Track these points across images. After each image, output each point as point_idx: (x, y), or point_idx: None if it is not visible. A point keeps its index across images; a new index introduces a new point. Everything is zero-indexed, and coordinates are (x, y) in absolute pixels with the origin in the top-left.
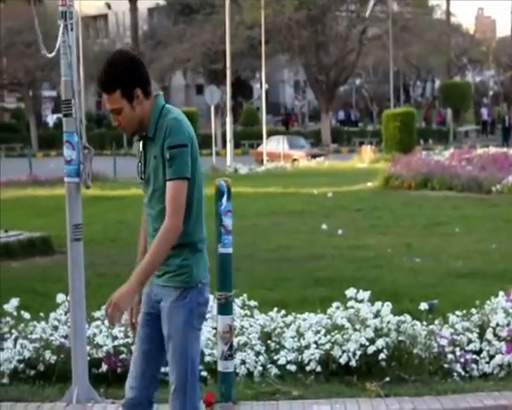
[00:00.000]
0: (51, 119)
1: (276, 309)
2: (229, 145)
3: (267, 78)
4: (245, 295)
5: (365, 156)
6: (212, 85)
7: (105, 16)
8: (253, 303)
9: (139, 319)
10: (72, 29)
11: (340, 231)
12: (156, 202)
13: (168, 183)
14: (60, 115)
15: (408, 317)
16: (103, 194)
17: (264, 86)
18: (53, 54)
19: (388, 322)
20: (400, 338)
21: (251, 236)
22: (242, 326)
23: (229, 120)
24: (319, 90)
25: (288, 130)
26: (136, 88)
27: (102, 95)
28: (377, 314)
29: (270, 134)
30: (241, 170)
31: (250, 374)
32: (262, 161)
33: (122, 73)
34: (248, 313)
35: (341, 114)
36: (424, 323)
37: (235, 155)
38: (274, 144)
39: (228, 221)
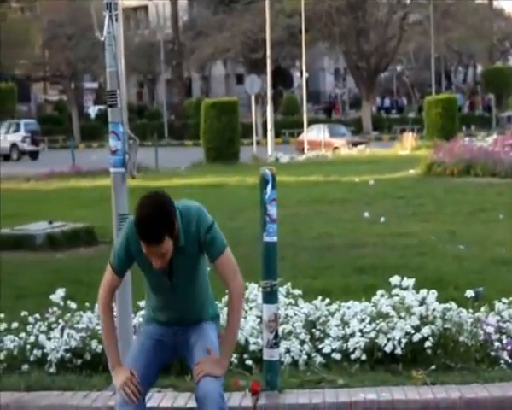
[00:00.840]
0: (93, 110)
1: (320, 298)
2: (269, 134)
3: (307, 66)
4: (289, 283)
5: (407, 143)
6: (253, 74)
7: (145, 7)
8: (297, 292)
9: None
10: (116, 20)
11: (382, 219)
12: (192, 291)
13: (220, 256)
14: (101, 107)
15: (454, 304)
16: (145, 184)
17: (305, 75)
18: (104, 36)
19: (434, 310)
20: (446, 326)
21: (292, 224)
22: (287, 315)
23: (269, 109)
24: (360, 77)
25: (330, 118)
26: (176, 223)
27: (144, 245)
28: (422, 302)
29: (310, 123)
30: (282, 159)
31: (295, 363)
32: (303, 149)
33: (171, 217)
34: (293, 301)
35: (387, 102)
36: (470, 310)
37: (276, 144)
38: (315, 133)
39: (273, 210)
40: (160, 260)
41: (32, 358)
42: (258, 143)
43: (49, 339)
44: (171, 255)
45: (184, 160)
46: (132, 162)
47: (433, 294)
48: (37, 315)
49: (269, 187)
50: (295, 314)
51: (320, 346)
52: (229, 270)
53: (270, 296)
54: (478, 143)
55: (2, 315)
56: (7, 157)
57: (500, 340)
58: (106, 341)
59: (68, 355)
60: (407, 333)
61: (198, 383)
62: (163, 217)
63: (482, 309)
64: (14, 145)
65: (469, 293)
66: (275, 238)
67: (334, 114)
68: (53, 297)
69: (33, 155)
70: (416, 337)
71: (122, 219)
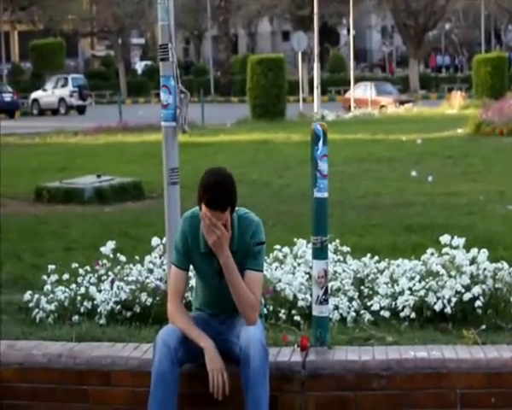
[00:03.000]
0: (139, 66)
1: (368, 255)
2: (316, 92)
3: (354, 23)
4: (337, 240)
5: (455, 102)
6: (299, 31)
7: None
8: (345, 249)
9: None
10: None
11: (430, 178)
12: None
13: (253, 272)
14: (148, 62)
15: (505, 264)
16: (192, 140)
17: (352, 32)
18: None
19: (485, 269)
20: (497, 286)
21: (340, 182)
22: (335, 271)
23: (316, 66)
24: (407, 35)
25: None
26: (235, 204)
27: (209, 211)
28: (473, 261)
29: (357, 80)
30: (328, 117)
31: (343, 320)
32: (349, 107)
33: (234, 191)
34: (341, 258)
35: (447, 60)
36: None
37: (322, 101)
38: (361, 91)
39: (324, 166)
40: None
41: (82, 309)
42: (304, 100)
43: (100, 291)
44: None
45: (230, 116)
46: (183, 117)
47: (484, 253)
48: (88, 267)
49: (320, 143)
50: (344, 271)
51: (369, 303)
52: (254, 287)
53: (320, 252)
54: None
55: (54, 267)
56: (55, 112)
57: None
58: (186, 331)
59: (118, 307)
60: (457, 292)
61: (240, 336)
62: (229, 186)
63: None
64: (61, 100)
65: None
66: (326, 194)
67: (390, 72)
68: (103, 250)
69: (81, 110)
70: (467, 297)
71: (173, 173)
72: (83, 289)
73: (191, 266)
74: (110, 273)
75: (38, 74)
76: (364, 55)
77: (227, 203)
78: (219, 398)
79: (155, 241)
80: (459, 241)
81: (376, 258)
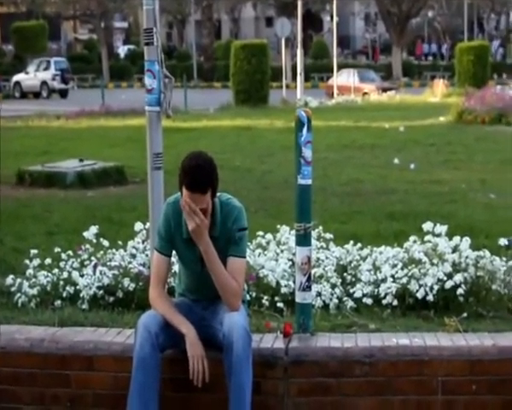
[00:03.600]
0: (122, 50)
1: (351, 242)
2: (299, 78)
3: (337, 10)
4: (320, 227)
5: (437, 90)
6: (283, 17)
7: None
8: (328, 236)
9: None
10: None
11: (412, 166)
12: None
13: (236, 258)
14: (130, 46)
15: (487, 252)
16: (175, 125)
17: (335, 19)
18: None
19: (467, 257)
20: (479, 274)
21: (322, 169)
22: (318, 258)
23: (299, 52)
24: (391, 22)
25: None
26: (217, 187)
27: (189, 194)
28: (455, 249)
29: (340, 67)
30: (312, 103)
31: (326, 306)
32: (332, 94)
33: (215, 173)
34: (324, 245)
35: (434, 47)
36: (503, 259)
37: (305, 88)
38: (344, 78)
39: (308, 152)
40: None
41: (64, 294)
42: (287, 86)
43: (82, 276)
44: None
45: (213, 102)
46: (168, 101)
47: (467, 241)
48: (70, 252)
49: (304, 129)
50: (327, 258)
51: (351, 290)
52: (236, 273)
53: (303, 239)
54: (510, 92)
55: (36, 251)
56: (37, 95)
57: None
58: (167, 317)
59: (101, 292)
60: (439, 280)
61: (223, 322)
62: (210, 169)
63: None
64: (44, 83)
65: (502, 241)
66: (309, 181)
67: (374, 58)
68: (86, 234)
69: (63, 94)
70: (449, 284)
71: (157, 158)
72: (65, 274)
73: (174, 252)
74: (93, 258)
75: (20, 57)
76: (348, 42)
77: (207, 186)
78: (199, 385)
79: (138, 226)
80: (441, 228)
81: (359, 245)
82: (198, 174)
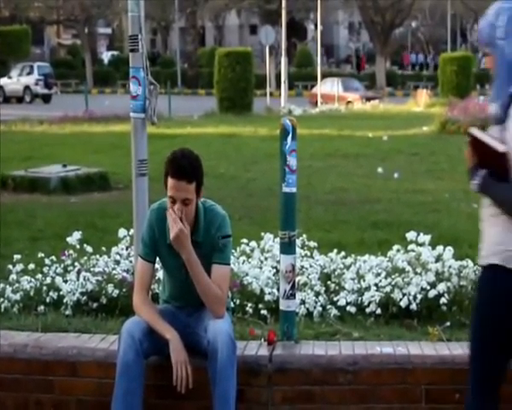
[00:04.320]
0: (106, 55)
1: (335, 251)
2: (283, 86)
3: (321, 19)
4: (304, 235)
5: (421, 100)
6: (267, 25)
7: None
8: (312, 244)
9: None
10: None
11: (396, 175)
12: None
13: (220, 266)
14: (114, 52)
15: (470, 262)
16: (159, 132)
17: (319, 28)
18: None
19: (450, 266)
20: (462, 283)
21: (306, 178)
22: (302, 266)
23: (283, 60)
24: (374, 32)
25: (359, 72)
26: (202, 187)
27: (174, 182)
28: (438, 258)
29: (324, 76)
30: (295, 111)
31: (309, 314)
32: (316, 102)
33: (200, 168)
34: (308, 253)
35: (420, 57)
36: None
37: (289, 96)
38: (328, 86)
39: (292, 161)
40: (181, 212)
41: (48, 299)
42: (271, 94)
43: (66, 282)
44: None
45: (197, 109)
46: (153, 108)
47: (450, 251)
48: (54, 257)
49: (289, 138)
50: (311, 266)
51: (335, 298)
52: (220, 281)
53: (288, 247)
54: None
55: (19, 256)
56: (20, 99)
57: None
58: (151, 323)
59: (84, 298)
60: (422, 289)
61: (208, 329)
62: (195, 161)
63: None
64: (27, 88)
65: None
66: (294, 189)
67: (362, 68)
68: (69, 240)
69: (46, 99)
70: (432, 294)
71: (142, 164)
72: (49, 280)
73: (158, 259)
74: (76, 264)
75: (3, 61)
76: (332, 51)
77: (192, 174)
78: (183, 391)
79: (122, 232)
80: (425, 238)
81: (343, 253)
82: (183, 162)
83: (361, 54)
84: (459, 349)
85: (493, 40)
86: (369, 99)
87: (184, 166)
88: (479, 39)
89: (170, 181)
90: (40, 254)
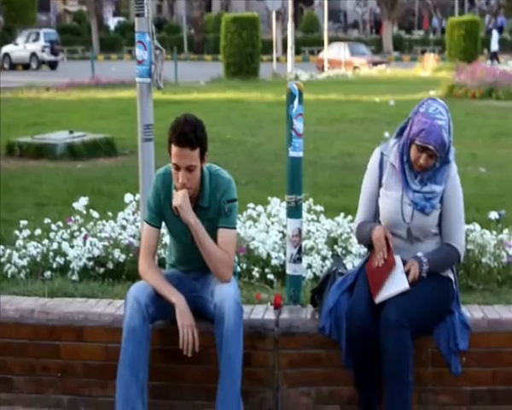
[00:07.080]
0: (112, 22)
1: (342, 215)
2: (289, 51)
3: None
4: (311, 199)
5: (428, 65)
6: None
7: None
8: (319, 208)
9: None
10: None
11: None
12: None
13: (227, 229)
14: (120, 19)
15: (477, 226)
16: (165, 98)
17: None
18: None
19: None
20: (469, 247)
21: (313, 142)
22: (309, 230)
23: (290, 25)
24: None
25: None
26: (207, 152)
27: (177, 150)
28: None
29: (331, 41)
30: (302, 76)
31: (316, 279)
32: (323, 67)
33: (204, 134)
34: (315, 217)
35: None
36: (493, 232)
37: (296, 61)
38: (335, 51)
39: (299, 125)
40: (185, 179)
41: (54, 265)
42: (277, 60)
43: (72, 247)
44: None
45: (204, 74)
46: (158, 73)
47: None
48: (60, 223)
49: (295, 102)
50: (317, 230)
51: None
52: (227, 245)
53: (294, 211)
54: (500, 67)
55: (26, 222)
56: (26, 66)
57: None
58: (157, 288)
59: (91, 264)
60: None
61: (214, 293)
62: (199, 127)
63: (505, 232)
64: (33, 54)
65: (493, 215)
66: (300, 153)
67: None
68: (76, 205)
69: (52, 65)
70: None
71: (147, 129)
72: (55, 245)
73: (164, 224)
74: (83, 229)
75: (9, 28)
76: (338, 16)
77: (195, 141)
78: (189, 354)
79: (128, 197)
80: None
81: (349, 218)
82: (185, 129)
83: (378, 18)
84: (466, 313)
85: None
86: (375, 64)
87: (186, 132)
88: None
89: (173, 148)
90: (47, 220)
